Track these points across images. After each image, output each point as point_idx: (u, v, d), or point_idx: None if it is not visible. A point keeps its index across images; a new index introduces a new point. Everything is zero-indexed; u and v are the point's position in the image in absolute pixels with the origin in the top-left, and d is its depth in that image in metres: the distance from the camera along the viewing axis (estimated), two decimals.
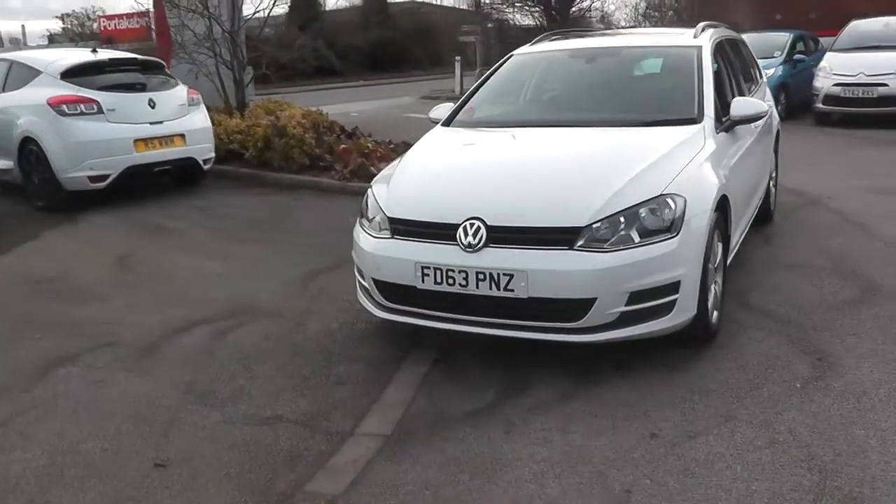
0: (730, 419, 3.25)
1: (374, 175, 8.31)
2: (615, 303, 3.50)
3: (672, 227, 3.56)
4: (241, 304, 4.96)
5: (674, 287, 3.56)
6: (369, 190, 4.27)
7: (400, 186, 4.14)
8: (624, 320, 3.54)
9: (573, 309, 3.52)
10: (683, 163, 3.88)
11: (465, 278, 3.61)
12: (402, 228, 3.86)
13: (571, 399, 3.50)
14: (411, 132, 8.51)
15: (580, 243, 3.51)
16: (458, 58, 25.15)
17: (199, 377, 3.93)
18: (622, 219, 3.55)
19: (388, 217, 3.93)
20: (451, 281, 3.65)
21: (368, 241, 3.99)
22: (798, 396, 3.41)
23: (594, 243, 3.51)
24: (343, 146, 9.12)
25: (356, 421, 3.44)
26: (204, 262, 5.96)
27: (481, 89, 5.19)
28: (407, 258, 3.76)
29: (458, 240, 3.64)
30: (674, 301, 3.58)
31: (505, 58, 5.49)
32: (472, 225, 3.63)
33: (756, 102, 4.65)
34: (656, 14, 33.25)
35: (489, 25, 28.62)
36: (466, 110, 5.08)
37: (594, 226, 3.53)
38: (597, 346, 3.65)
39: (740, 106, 4.50)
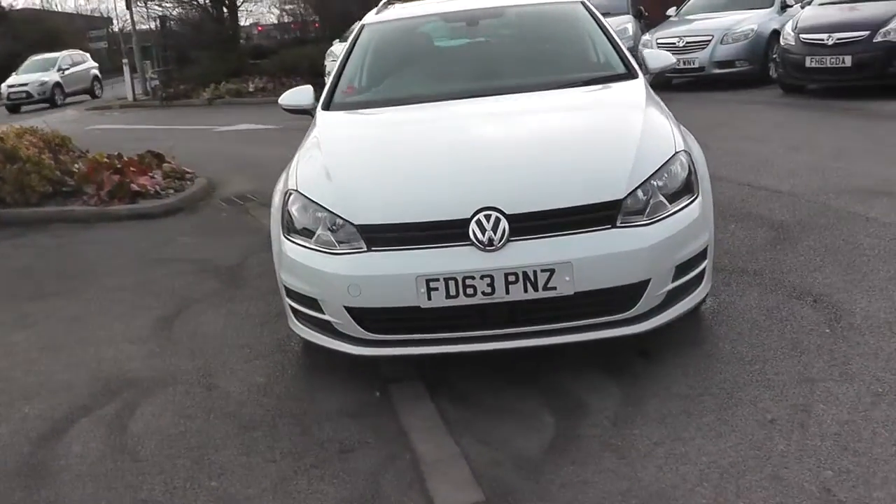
0: (810, 380, 3.00)
1: (140, 193, 7.16)
2: (664, 281, 3.04)
3: (691, 188, 3.20)
4: (109, 378, 3.64)
5: (703, 254, 3.19)
6: (291, 196, 3.30)
7: (355, 185, 3.25)
8: (669, 300, 3.09)
9: (624, 297, 2.99)
10: (662, 120, 3.53)
11: (490, 283, 2.89)
12: (383, 237, 3.01)
13: (640, 403, 2.97)
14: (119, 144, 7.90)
15: (621, 219, 3.00)
16: (124, 61, 23.02)
17: (140, 495, 2.72)
18: (655, 183, 3.10)
19: (358, 226, 3.04)
20: (470, 291, 2.90)
21: (328, 262, 3.06)
22: (843, 340, 3.28)
23: (633, 216, 3.00)
24: (89, 164, 7.46)
25: (424, 497, 2.59)
26: (3, 335, 4.36)
27: (349, 67, 4.36)
28: (402, 273, 2.93)
29: (472, 238, 2.91)
30: (703, 270, 3.21)
31: (356, 30, 4.70)
32: (487, 217, 2.92)
33: (664, 53, 4.48)
34: None
35: (155, 26, 26.28)
36: (347, 91, 4.25)
37: (630, 197, 3.03)
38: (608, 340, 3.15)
39: (655, 58, 4.28)
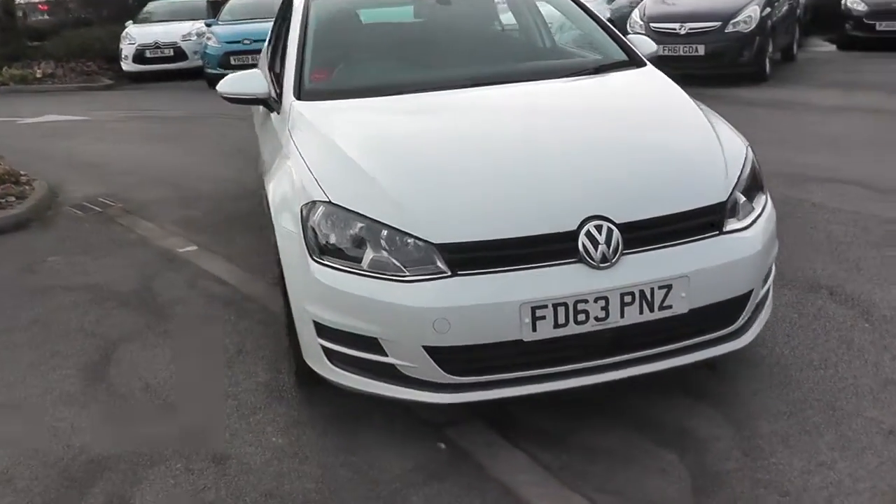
0: (893, 382, 2.89)
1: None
2: (759, 289, 2.78)
3: (761, 185, 2.95)
4: (65, 464, 2.76)
5: (774, 257, 2.99)
6: (321, 209, 2.61)
7: (417, 192, 2.63)
8: (758, 309, 2.84)
9: (730, 310, 2.68)
10: (711, 113, 3.25)
11: (605, 307, 2.46)
12: (473, 258, 2.46)
13: (750, 426, 2.68)
14: None
15: (725, 224, 2.68)
16: None
17: None
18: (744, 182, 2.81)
19: (438, 245, 2.47)
20: (582, 317, 2.45)
21: (400, 292, 2.46)
22: (889, 334, 3.21)
23: (731, 220, 2.71)
24: None
25: None
26: None
27: (309, 49, 3.61)
28: (504, 301, 2.41)
29: (583, 253, 2.46)
30: (770, 275, 3.01)
31: (299, 5, 3.94)
32: (598, 228, 2.48)
33: (645, 38, 4.21)
34: None
35: None
36: (318, 77, 3.56)
37: (730, 199, 2.72)
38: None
39: (642, 44, 4.00)
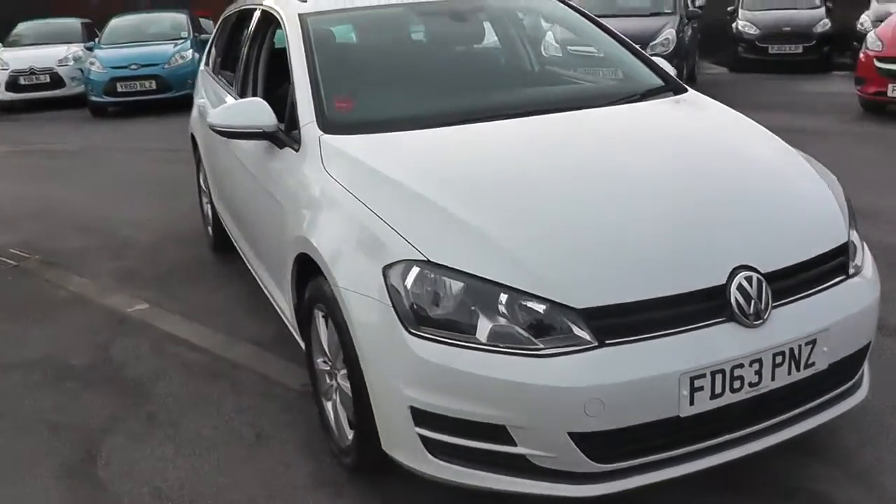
0: None
1: None
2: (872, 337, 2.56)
3: (854, 218, 2.76)
4: None
5: None
6: (416, 271, 2.16)
7: (542, 247, 2.21)
8: (861, 360, 2.62)
9: (854, 363, 2.44)
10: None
11: (759, 371, 2.15)
12: (621, 323, 2.08)
13: (883, 485, 2.46)
14: None
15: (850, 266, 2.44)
16: None
17: None
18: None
19: (582, 310, 2.07)
20: (737, 384, 2.13)
21: (539, 370, 2.03)
22: None
23: (851, 262, 2.48)
24: None
25: None
26: None
27: (323, 74, 3.08)
28: (663, 373, 2.06)
29: (736, 309, 2.14)
30: None
31: (292, 26, 3.32)
32: (748, 280, 2.17)
33: (663, 60, 3.94)
34: None
35: None
36: (342, 107, 3.07)
37: (850, 237, 2.49)
38: None
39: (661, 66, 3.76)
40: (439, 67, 3.44)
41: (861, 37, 11.68)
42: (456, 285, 2.14)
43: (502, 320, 2.09)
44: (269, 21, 3.78)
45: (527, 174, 2.56)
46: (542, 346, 2.05)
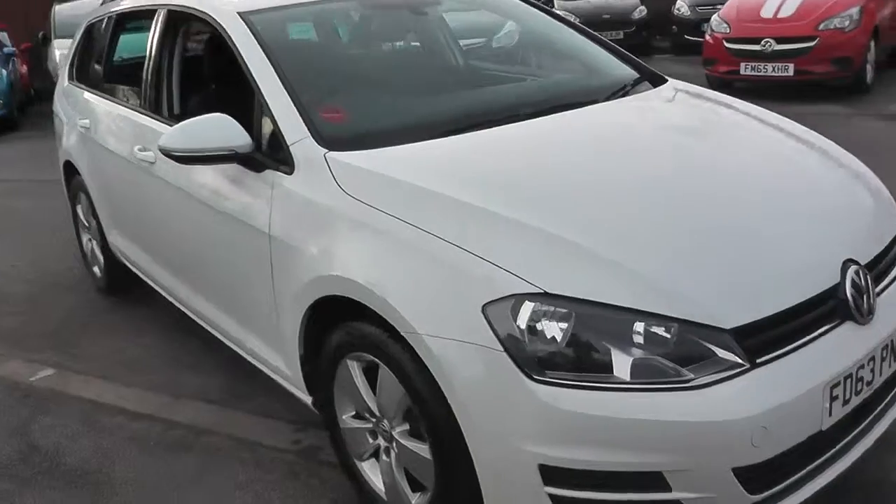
0: None
1: None
2: None
3: None
4: None
5: None
6: (530, 306, 1.83)
7: (656, 260, 1.94)
8: None
9: None
10: None
11: (872, 368, 2.04)
12: (764, 340, 1.86)
13: None
14: None
15: None
16: None
17: None
18: None
19: (732, 330, 1.83)
20: (860, 386, 2.01)
21: (690, 405, 1.77)
22: None
23: None
24: None
25: None
26: None
27: (295, 79, 2.63)
28: (811, 386, 1.88)
29: (853, 307, 2.01)
30: None
31: (238, 26, 2.81)
32: (858, 274, 2.04)
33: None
34: None
35: None
36: (332, 117, 2.64)
37: None
38: None
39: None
40: (422, 68, 3.09)
41: (679, 21, 12.51)
42: (581, 317, 1.84)
43: (640, 352, 1.81)
44: (185, 22, 3.24)
45: (593, 180, 2.30)
46: (692, 375, 1.81)
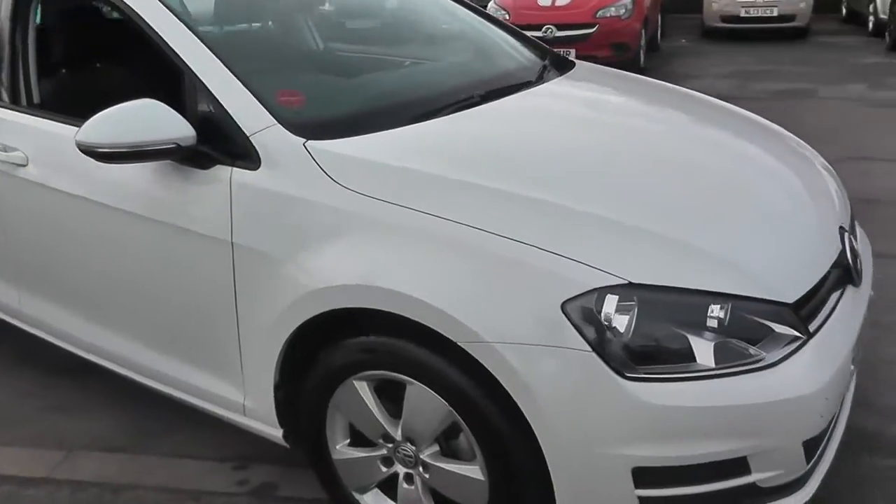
0: None
1: None
2: None
3: None
4: None
5: None
6: (612, 300, 1.73)
7: (710, 237, 1.93)
8: None
9: None
10: None
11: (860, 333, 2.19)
12: (809, 309, 1.91)
13: None
14: None
15: None
16: None
17: None
18: None
19: (793, 304, 1.85)
20: (859, 349, 2.15)
21: (768, 385, 1.75)
22: None
23: None
24: None
25: None
26: None
27: (239, 59, 2.26)
28: (846, 352, 1.96)
29: (853, 272, 2.15)
30: None
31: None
32: (843, 236, 2.19)
33: None
34: None
35: None
36: (289, 101, 2.30)
37: None
38: None
39: None
40: (368, 44, 2.80)
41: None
42: (663, 306, 1.76)
43: (718, 336, 1.77)
44: None
45: (603, 159, 2.26)
46: (764, 354, 1.80)
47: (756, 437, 1.78)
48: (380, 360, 1.96)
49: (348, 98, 2.46)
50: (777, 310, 1.83)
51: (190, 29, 2.27)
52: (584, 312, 1.73)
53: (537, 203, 1.92)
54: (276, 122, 2.11)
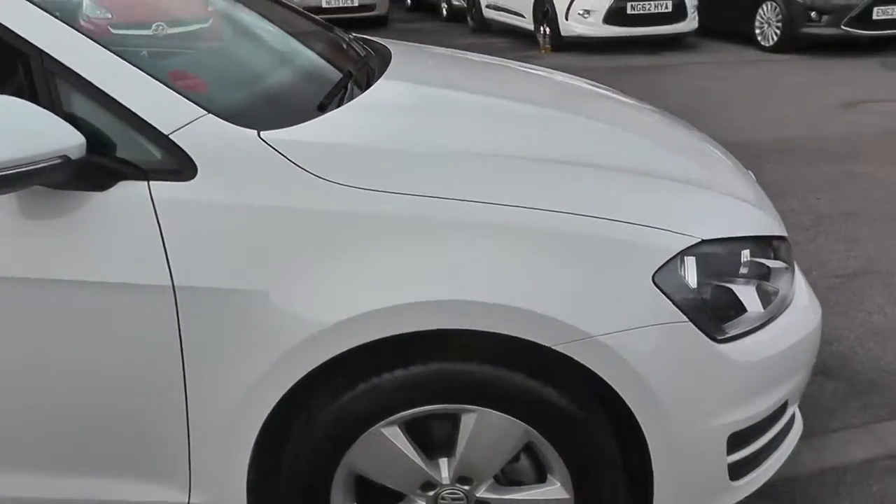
0: None
1: None
2: None
3: None
4: None
5: None
6: (692, 259, 1.63)
7: (727, 186, 1.99)
8: None
9: None
10: None
11: None
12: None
13: None
14: None
15: None
16: None
17: None
18: None
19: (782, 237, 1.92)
20: None
21: (798, 321, 1.82)
22: None
23: None
24: None
25: None
26: None
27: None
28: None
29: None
30: None
31: None
32: None
33: None
34: None
35: None
36: (189, 85, 1.66)
37: None
38: None
39: None
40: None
41: None
42: (715, 259, 1.68)
43: (750, 281, 1.75)
44: None
45: (583, 127, 2.17)
46: (780, 290, 1.83)
47: (800, 371, 1.85)
48: (425, 395, 1.58)
49: (248, 81, 1.91)
50: (777, 245, 1.88)
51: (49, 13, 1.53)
52: (673, 281, 1.59)
53: (582, 172, 1.75)
54: (205, 112, 1.53)
